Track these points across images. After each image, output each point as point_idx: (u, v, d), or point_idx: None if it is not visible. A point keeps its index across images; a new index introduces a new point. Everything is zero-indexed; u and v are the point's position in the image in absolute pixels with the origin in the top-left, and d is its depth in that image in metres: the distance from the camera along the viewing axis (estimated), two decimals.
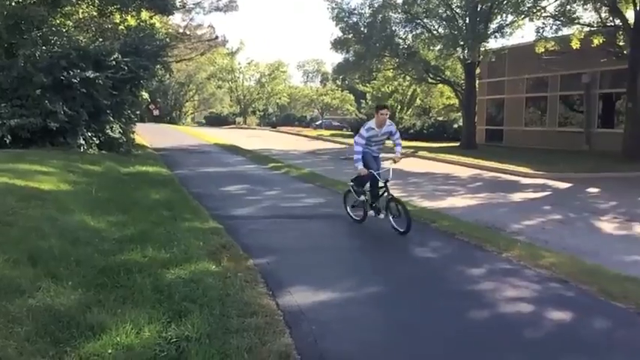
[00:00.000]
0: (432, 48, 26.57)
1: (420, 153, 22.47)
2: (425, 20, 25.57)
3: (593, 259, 6.17)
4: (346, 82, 50.59)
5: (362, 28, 26.83)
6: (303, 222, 8.44)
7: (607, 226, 8.60)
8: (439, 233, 7.60)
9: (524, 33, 57.41)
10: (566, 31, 20.57)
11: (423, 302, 4.86)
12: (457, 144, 26.80)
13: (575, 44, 19.59)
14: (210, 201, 9.78)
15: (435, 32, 25.67)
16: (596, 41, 19.25)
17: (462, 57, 24.06)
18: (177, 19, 31.69)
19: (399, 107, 39.13)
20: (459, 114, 32.58)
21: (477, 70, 27.24)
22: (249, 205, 9.79)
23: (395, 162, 7.68)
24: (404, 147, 10.01)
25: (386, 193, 7.42)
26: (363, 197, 7.79)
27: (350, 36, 27.78)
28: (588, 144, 21.92)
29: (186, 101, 70.02)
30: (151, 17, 20.32)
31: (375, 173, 7.42)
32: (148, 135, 29.04)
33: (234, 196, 11.07)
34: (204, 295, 4.44)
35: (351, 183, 8.06)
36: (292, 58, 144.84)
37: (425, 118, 39.18)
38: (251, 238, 7.00)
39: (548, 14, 20.46)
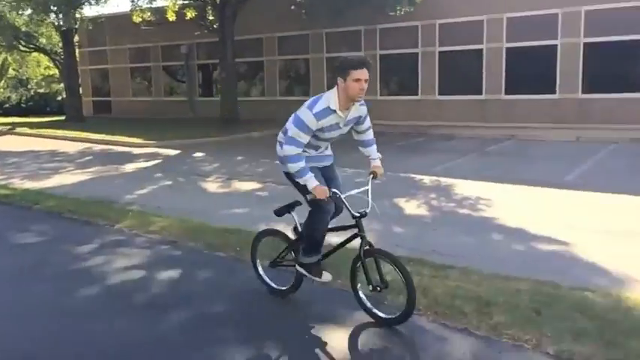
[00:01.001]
0: (20, 12, 23.72)
1: (19, 130, 20.23)
2: None
3: (200, 217, 6.63)
4: None
5: None
6: None
7: (212, 185, 9.40)
8: (44, 215, 7.01)
9: (120, 2, 56.97)
10: (161, 2, 21.22)
11: (23, 292, 4.39)
12: (63, 118, 25.07)
13: (171, 16, 20.38)
14: None
15: None
16: (190, 14, 20.45)
17: (56, 23, 22.27)
18: None
19: None
20: (62, 85, 30.34)
21: (76, 39, 25.73)
22: None
23: (376, 176, 3.81)
24: None
25: (359, 238, 3.64)
26: (314, 257, 3.86)
27: None
28: (193, 112, 23.41)
29: None
30: None
31: (341, 196, 3.61)
32: None
33: None
34: None
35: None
36: None
37: (22, 91, 35.21)
38: None
39: None
